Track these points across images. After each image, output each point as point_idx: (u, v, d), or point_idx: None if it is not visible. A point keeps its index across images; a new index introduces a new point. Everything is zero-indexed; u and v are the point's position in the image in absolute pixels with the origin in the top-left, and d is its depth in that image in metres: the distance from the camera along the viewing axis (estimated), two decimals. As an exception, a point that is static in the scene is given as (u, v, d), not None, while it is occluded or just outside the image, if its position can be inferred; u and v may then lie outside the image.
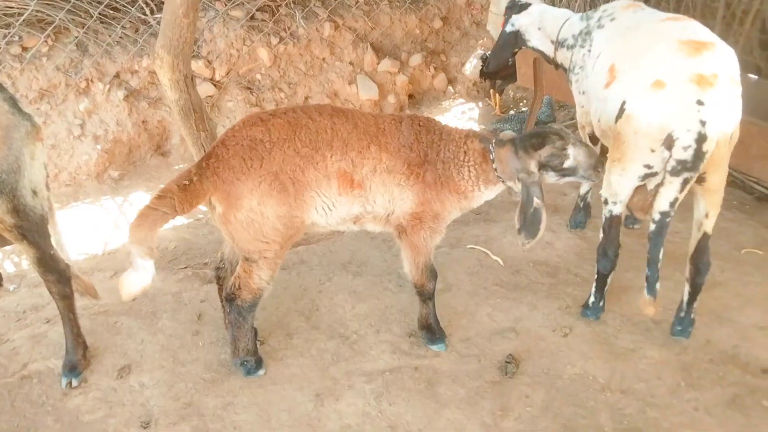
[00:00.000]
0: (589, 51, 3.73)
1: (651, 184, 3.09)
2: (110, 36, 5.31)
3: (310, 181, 2.94)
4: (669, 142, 2.80)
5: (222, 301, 3.33)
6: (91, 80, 5.24)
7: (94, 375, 3.25)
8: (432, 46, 7.16)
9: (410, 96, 6.83)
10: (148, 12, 5.47)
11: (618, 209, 3.25)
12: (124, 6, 5.42)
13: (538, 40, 4.22)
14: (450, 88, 7.10)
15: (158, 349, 3.38)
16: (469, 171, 3.18)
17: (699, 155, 2.75)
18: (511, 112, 6.74)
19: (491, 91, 6.70)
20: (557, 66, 4.23)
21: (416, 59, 6.82)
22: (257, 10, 5.86)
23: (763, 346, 3.43)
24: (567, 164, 3.08)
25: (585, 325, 3.61)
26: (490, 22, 7.31)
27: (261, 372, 3.24)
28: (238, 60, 5.74)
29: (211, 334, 3.48)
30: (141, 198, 4.99)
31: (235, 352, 3.20)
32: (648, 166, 2.95)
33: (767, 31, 5.26)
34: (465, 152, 3.18)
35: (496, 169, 3.15)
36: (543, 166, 3.08)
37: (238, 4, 5.77)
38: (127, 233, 2.80)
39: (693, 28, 3.07)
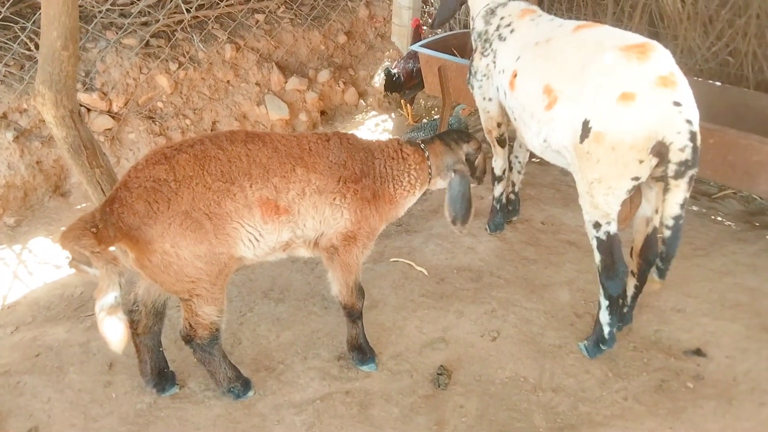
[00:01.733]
0: (494, 63, 3.74)
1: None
2: (-8, 75, 4.97)
3: (230, 212, 2.76)
4: (660, 149, 2.74)
5: (136, 347, 3.12)
6: (-25, 123, 4.87)
7: (-2, 443, 2.98)
8: (339, 61, 7.12)
9: (322, 112, 6.75)
10: (32, 47, 5.14)
11: (614, 227, 3.06)
12: (5, 43, 5.08)
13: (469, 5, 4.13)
14: (361, 101, 7.07)
15: (67, 407, 3.12)
16: (409, 176, 3.24)
17: (696, 151, 2.72)
18: (424, 120, 6.77)
19: (402, 101, 6.71)
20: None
21: (324, 75, 6.75)
22: (152, 36, 5.63)
23: (683, 329, 3.54)
24: (476, 162, 3.42)
25: (512, 327, 3.60)
26: (394, 34, 7.37)
27: (251, 393, 3.18)
28: (136, 89, 5.49)
29: (124, 383, 3.25)
30: (41, 244, 4.66)
31: (217, 384, 3.13)
32: (636, 178, 2.86)
33: (655, 24, 5.49)
34: (404, 159, 3.25)
35: (430, 167, 3.29)
36: (468, 160, 3.36)
37: (130, 32, 5.52)
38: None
39: (619, 33, 3.03)
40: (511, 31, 3.65)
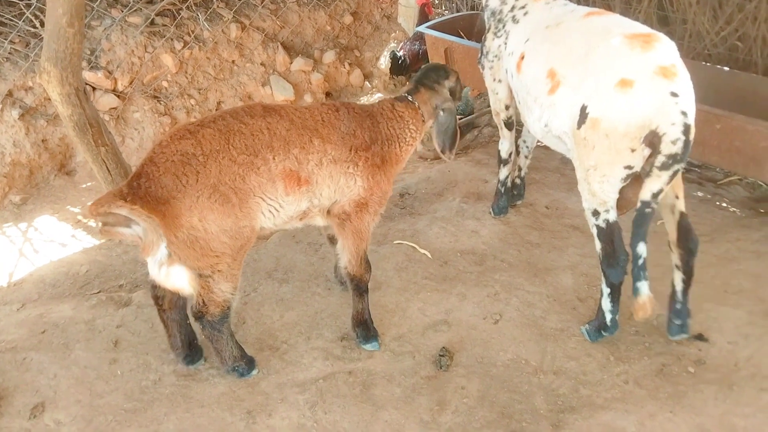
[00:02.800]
0: (505, 44, 3.71)
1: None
2: (-3, 52, 4.96)
3: (254, 187, 2.83)
4: (653, 139, 2.70)
5: (164, 323, 3.15)
6: (-19, 101, 4.88)
7: (4, 417, 3.01)
8: (344, 42, 7.08)
9: (327, 94, 6.73)
10: (38, 24, 5.13)
11: (613, 215, 3.03)
12: (10, 20, 5.07)
13: None
14: (367, 83, 7.04)
15: (73, 383, 3.16)
16: (409, 131, 3.33)
17: (687, 145, 2.68)
18: (429, 103, 6.74)
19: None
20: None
21: (330, 56, 6.72)
22: (157, 15, 5.61)
23: (684, 313, 3.53)
24: (459, 91, 3.55)
25: (514, 310, 3.62)
26: (400, 15, 7.30)
27: (254, 372, 3.20)
28: (141, 68, 5.48)
29: (129, 360, 3.28)
30: (47, 222, 4.69)
31: (222, 362, 3.15)
32: (629, 167, 2.82)
33: (665, 8, 5.43)
34: (401, 117, 3.31)
35: (422, 114, 3.37)
36: (450, 93, 3.45)
37: (135, 10, 5.49)
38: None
39: (627, 22, 3.01)
40: (525, 13, 3.63)
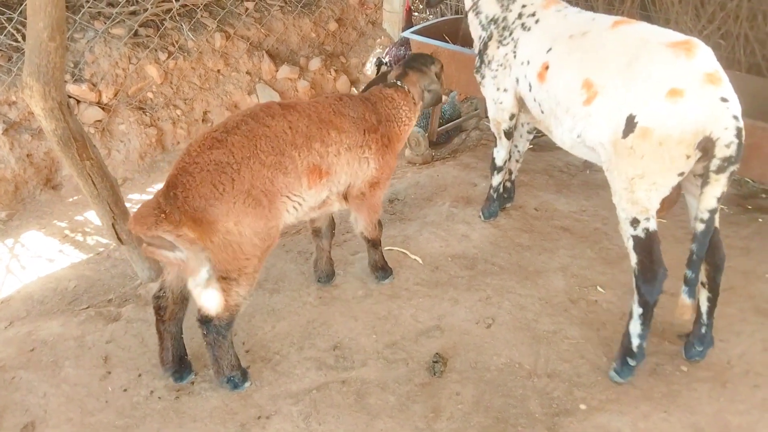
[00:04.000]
0: (514, 54, 3.66)
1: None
2: (-21, 67, 4.91)
3: (281, 187, 2.95)
4: (707, 144, 2.73)
5: (160, 334, 3.12)
6: (-37, 117, 4.82)
7: (-6, 439, 2.97)
8: (330, 48, 7.07)
9: (314, 101, 6.71)
10: (20, 38, 5.08)
11: (653, 224, 2.96)
12: (-9, 34, 5.02)
13: None
14: (353, 89, 7.03)
15: (63, 401, 3.12)
16: (403, 110, 3.54)
17: (740, 147, 2.73)
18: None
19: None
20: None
21: (315, 63, 6.71)
22: (140, 26, 5.57)
23: (676, 312, 3.54)
24: (441, 78, 3.80)
25: (506, 314, 3.61)
26: (385, 21, 7.31)
27: (247, 384, 3.18)
28: (126, 80, 5.44)
29: (120, 376, 3.24)
30: (34, 238, 4.64)
31: (219, 371, 3.12)
32: (681, 174, 2.85)
33: (647, 7, 5.47)
34: (392, 99, 3.52)
35: (413, 96, 3.59)
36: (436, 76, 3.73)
37: (118, 22, 5.46)
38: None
39: (660, 30, 3.04)
40: (536, 21, 3.58)
